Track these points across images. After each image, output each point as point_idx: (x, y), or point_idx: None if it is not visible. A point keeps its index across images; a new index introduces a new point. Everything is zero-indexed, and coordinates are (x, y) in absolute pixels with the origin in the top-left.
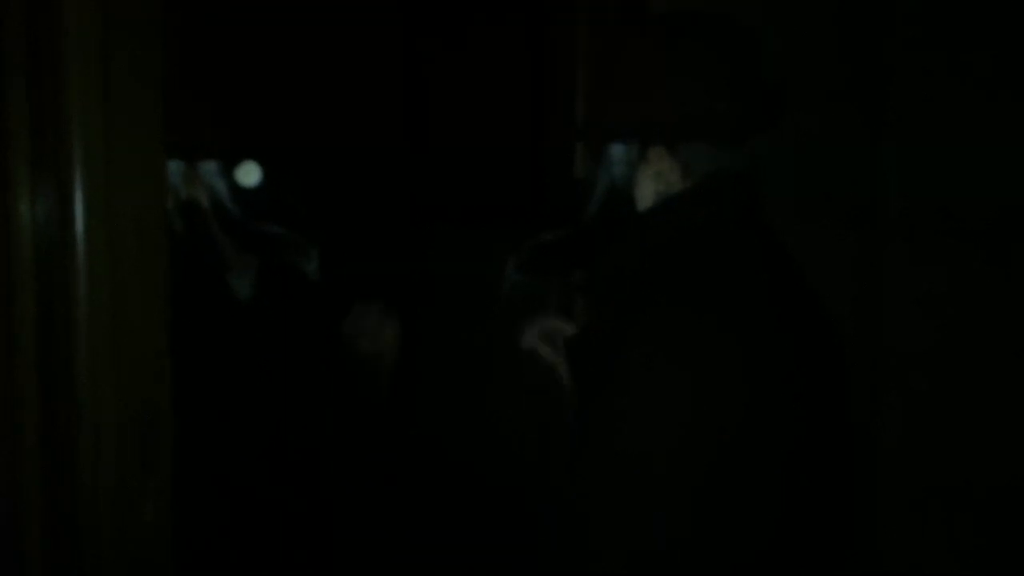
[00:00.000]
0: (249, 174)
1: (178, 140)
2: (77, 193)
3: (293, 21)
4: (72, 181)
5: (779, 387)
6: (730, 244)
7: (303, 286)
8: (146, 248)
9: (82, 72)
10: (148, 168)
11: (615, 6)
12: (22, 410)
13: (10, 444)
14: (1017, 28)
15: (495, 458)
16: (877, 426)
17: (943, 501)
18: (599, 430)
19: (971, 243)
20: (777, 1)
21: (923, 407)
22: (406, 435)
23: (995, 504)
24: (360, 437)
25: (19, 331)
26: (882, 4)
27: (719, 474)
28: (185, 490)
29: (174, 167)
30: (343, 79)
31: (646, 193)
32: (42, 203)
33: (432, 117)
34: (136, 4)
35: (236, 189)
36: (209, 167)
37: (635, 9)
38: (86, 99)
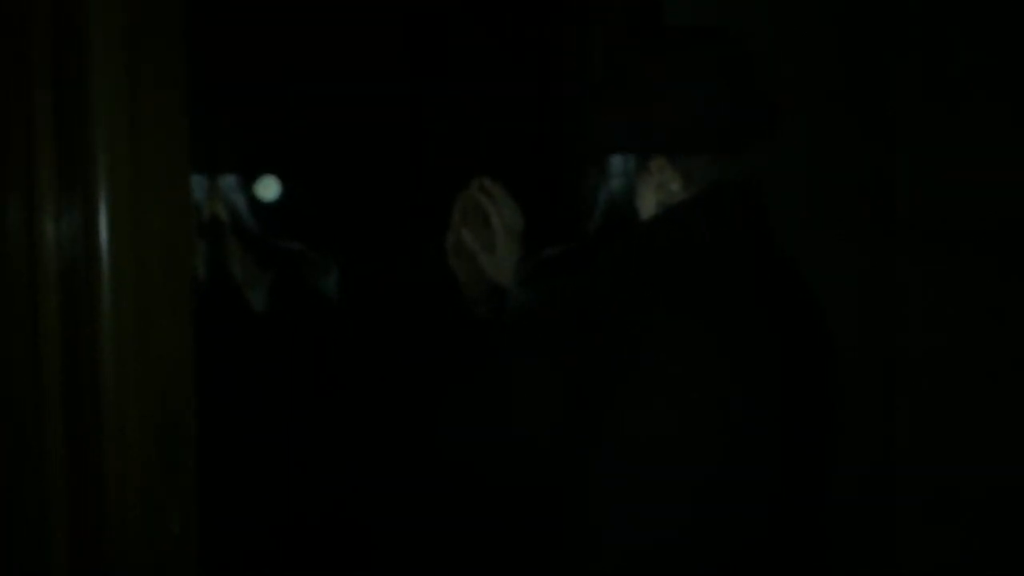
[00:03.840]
0: (268, 188)
1: (198, 154)
2: (102, 208)
3: (302, 38)
4: (97, 196)
5: (775, 390)
6: (731, 252)
7: (319, 300)
8: (171, 263)
9: (107, 88)
10: (173, 183)
11: (627, 18)
12: (48, 422)
13: (36, 456)
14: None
15: (502, 457)
16: (891, 428)
17: (956, 501)
18: (609, 430)
19: (981, 249)
20: (788, 10)
21: (935, 411)
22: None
23: (1007, 504)
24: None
25: (44, 345)
26: (891, 11)
27: (720, 471)
28: (209, 501)
29: (194, 181)
30: (351, 88)
31: (647, 203)
32: (67, 218)
33: (435, 129)
34: (160, 21)
35: (255, 203)
36: (228, 181)
37: (651, 19)
38: (111, 115)
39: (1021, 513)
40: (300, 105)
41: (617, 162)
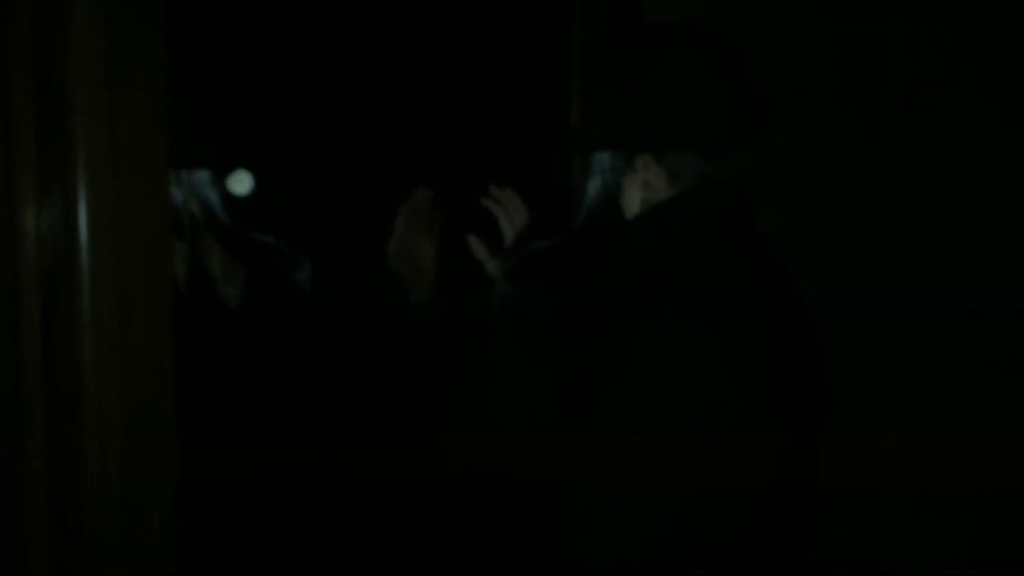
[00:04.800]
0: (240, 183)
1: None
2: (82, 204)
3: (286, 29)
4: (77, 192)
5: (764, 387)
6: (715, 250)
7: (292, 294)
8: (150, 258)
9: (87, 81)
10: (152, 179)
11: (609, 15)
12: (27, 420)
13: (15, 454)
14: (1010, 34)
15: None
16: (876, 428)
17: (940, 501)
18: (597, 428)
19: (967, 248)
20: (775, 8)
21: (919, 409)
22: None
23: (991, 504)
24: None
25: (24, 340)
26: (880, 9)
27: (709, 469)
28: (189, 497)
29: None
30: (337, 86)
31: (633, 201)
32: (47, 213)
33: (425, 124)
34: (139, 18)
35: (227, 198)
36: (200, 176)
37: (628, 18)
38: (91, 109)
39: (1007, 512)
40: (276, 97)
41: (606, 159)
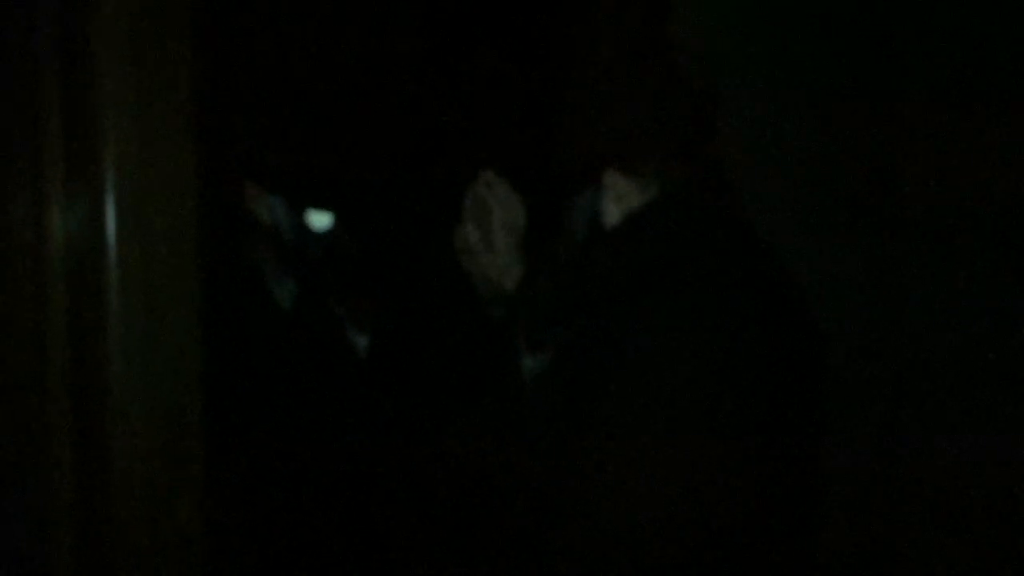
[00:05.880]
0: (319, 217)
1: (261, 166)
2: (109, 202)
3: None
4: (104, 190)
5: (756, 381)
6: (695, 248)
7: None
8: (178, 256)
9: (114, 78)
10: (181, 178)
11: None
12: (53, 416)
13: (41, 449)
14: None
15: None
16: (898, 429)
17: (959, 502)
18: (596, 426)
19: (990, 249)
20: (793, 6)
21: (944, 411)
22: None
23: (1012, 507)
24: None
25: (50, 337)
26: (899, 9)
27: (704, 465)
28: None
29: (248, 187)
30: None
31: (611, 215)
32: (74, 211)
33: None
34: (166, 18)
35: (301, 225)
36: (279, 199)
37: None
38: (118, 106)
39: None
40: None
41: (577, 179)
